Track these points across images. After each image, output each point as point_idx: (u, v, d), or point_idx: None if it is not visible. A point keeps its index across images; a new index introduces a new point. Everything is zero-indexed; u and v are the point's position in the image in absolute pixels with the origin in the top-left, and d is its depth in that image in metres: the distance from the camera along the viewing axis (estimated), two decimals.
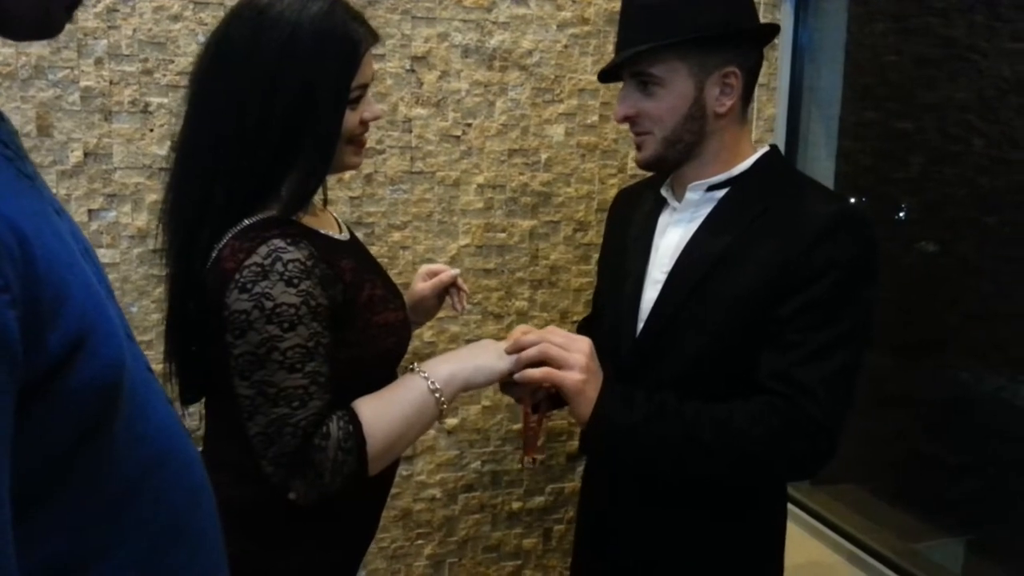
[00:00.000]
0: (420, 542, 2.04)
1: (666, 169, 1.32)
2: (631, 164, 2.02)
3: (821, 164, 2.10)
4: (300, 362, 1.03)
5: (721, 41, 1.21)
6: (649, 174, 1.42)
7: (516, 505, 2.10)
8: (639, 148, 1.29)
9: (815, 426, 1.14)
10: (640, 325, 1.29)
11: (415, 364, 1.17)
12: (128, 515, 0.65)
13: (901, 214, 2.06)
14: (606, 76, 1.33)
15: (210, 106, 1.08)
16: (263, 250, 1.02)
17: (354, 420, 1.07)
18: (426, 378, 1.13)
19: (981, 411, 1.92)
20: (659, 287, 1.27)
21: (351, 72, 1.09)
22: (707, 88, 1.23)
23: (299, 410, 1.03)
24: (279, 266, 1.02)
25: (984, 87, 1.83)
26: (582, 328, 1.58)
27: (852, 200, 2.13)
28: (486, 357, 1.18)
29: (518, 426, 2.05)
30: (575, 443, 2.12)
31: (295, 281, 1.02)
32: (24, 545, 0.57)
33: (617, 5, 1.94)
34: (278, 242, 1.03)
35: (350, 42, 1.08)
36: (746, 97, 1.28)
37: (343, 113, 1.10)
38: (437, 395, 1.13)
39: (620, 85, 1.29)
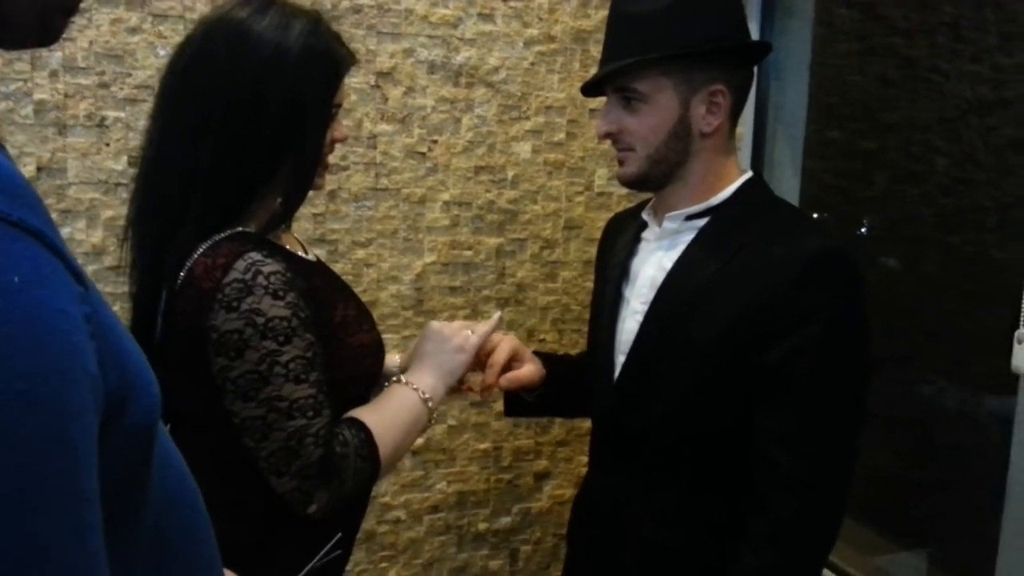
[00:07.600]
0: (384, 565, 2.00)
1: (649, 188, 1.27)
2: (598, 182, 2.02)
3: (786, 183, 2.11)
4: (304, 372, 1.01)
5: (708, 58, 1.17)
6: (643, 197, 1.38)
7: (482, 526, 2.07)
8: (621, 163, 1.24)
9: (816, 495, 1.13)
10: (619, 360, 1.26)
11: (400, 376, 1.19)
12: (162, 560, 0.62)
13: (863, 230, 2.08)
14: (589, 90, 1.28)
15: (184, 119, 1.05)
16: (241, 265, 0.99)
17: (363, 428, 1.07)
18: (416, 389, 1.16)
19: (943, 426, 1.94)
20: (638, 319, 1.24)
21: (334, 90, 1.09)
22: (693, 106, 1.18)
23: (315, 419, 1.02)
24: (261, 279, 0.99)
25: (946, 108, 1.85)
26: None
27: (822, 214, 2.14)
28: (453, 360, 1.22)
29: (484, 445, 2.03)
30: (543, 462, 2.10)
31: (280, 293, 1.00)
32: None
33: (584, 23, 1.95)
34: (255, 255, 1.00)
35: (334, 60, 1.09)
36: (734, 117, 1.23)
37: (327, 129, 1.09)
38: (429, 404, 1.16)
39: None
